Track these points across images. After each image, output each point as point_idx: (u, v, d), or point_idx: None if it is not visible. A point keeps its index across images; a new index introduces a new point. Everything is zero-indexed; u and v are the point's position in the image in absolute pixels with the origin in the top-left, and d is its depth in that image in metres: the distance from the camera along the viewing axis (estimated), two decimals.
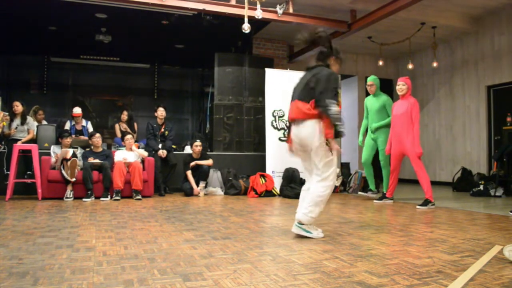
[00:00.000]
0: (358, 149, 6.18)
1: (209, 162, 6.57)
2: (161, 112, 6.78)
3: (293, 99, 3.08)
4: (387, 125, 5.68)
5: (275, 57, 8.73)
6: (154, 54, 9.93)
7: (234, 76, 7.91)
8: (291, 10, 6.32)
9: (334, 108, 2.82)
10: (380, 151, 5.74)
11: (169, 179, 6.70)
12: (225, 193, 6.66)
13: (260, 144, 7.78)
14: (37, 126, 6.54)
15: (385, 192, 5.63)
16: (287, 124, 3.19)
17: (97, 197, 5.70)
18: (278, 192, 6.53)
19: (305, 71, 3.15)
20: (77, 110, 7.05)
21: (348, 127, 8.75)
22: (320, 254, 2.48)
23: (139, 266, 2.19)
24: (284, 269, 2.15)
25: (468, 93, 8.17)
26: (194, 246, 2.69)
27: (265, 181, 6.47)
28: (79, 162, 5.81)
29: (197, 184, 6.36)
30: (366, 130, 5.99)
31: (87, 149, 6.21)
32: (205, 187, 6.52)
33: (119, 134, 7.45)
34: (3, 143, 6.20)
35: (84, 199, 5.53)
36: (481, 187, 6.44)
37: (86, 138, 6.65)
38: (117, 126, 7.67)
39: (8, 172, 5.71)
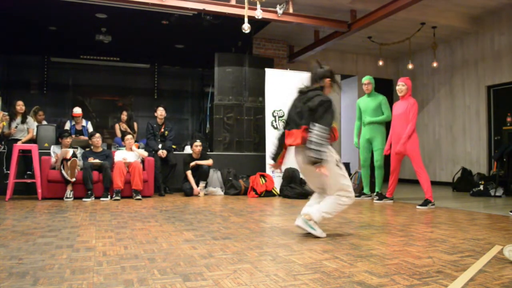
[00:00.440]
0: (357, 149, 6.20)
1: (209, 162, 6.57)
2: (161, 112, 6.78)
3: (296, 126, 2.98)
4: (381, 123, 5.70)
5: (275, 57, 8.73)
6: (154, 54, 9.93)
7: (234, 76, 7.91)
8: (291, 10, 6.32)
9: (317, 133, 2.77)
10: (376, 152, 5.74)
11: (169, 179, 6.70)
12: (225, 193, 6.66)
13: (260, 144, 7.78)
14: (37, 126, 6.54)
15: (378, 191, 5.67)
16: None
17: (97, 197, 5.70)
18: (278, 192, 6.53)
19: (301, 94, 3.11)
20: (77, 110, 7.05)
21: (348, 127, 8.77)
22: (320, 254, 2.48)
23: (139, 266, 2.19)
24: (284, 269, 2.15)
25: (468, 93, 8.17)
26: (194, 246, 2.69)
27: (265, 181, 6.47)
28: (79, 162, 5.81)
29: (197, 184, 6.36)
30: (360, 132, 6.01)
31: (87, 149, 6.21)
32: (205, 187, 6.52)
33: (119, 134, 7.45)
34: (3, 143, 6.20)
35: (84, 199, 5.53)
36: (481, 187, 6.44)
37: (86, 138, 6.65)
38: (117, 126, 7.67)
39: (8, 172, 5.71)
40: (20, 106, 6.23)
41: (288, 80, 7.12)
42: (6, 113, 6.15)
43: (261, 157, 7.25)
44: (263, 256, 2.44)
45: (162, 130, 6.78)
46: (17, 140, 6.10)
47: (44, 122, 7.22)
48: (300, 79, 7.28)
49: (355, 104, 6.13)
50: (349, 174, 7.35)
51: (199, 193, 6.31)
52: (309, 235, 3.08)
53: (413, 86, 7.25)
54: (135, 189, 5.81)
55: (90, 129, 7.12)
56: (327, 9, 6.87)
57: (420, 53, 9.27)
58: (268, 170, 6.81)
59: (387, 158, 5.64)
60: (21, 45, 9.01)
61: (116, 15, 7.16)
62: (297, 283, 1.91)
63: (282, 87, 7.04)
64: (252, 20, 5.67)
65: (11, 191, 5.56)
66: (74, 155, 5.65)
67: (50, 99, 9.66)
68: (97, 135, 6.18)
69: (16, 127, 6.18)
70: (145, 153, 6.33)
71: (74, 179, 5.60)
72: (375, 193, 5.78)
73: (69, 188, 5.64)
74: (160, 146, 6.65)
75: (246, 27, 5.28)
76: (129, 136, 6.31)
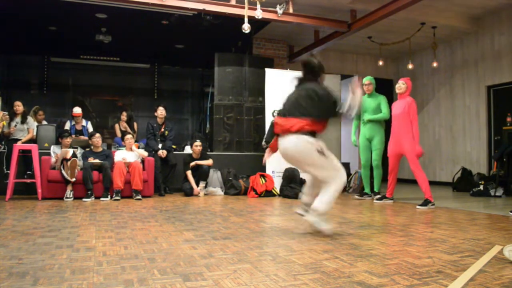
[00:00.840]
0: (357, 149, 6.21)
1: (209, 162, 6.57)
2: (161, 112, 6.78)
3: (293, 114, 3.06)
4: (380, 121, 5.71)
5: (275, 57, 8.73)
6: (154, 54, 9.93)
7: (234, 76, 7.91)
8: (291, 10, 6.32)
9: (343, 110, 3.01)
10: (374, 151, 5.74)
11: (169, 179, 6.70)
12: (225, 193, 6.66)
13: (260, 144, 7.78)
14: (37, 126, 6.54)
15: (377, 191, 5.69)
16: None
17: (97, 197, 5.70)
18: (278, 192, 6.53)
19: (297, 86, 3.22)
20: (77, 110, 7.05)
21: (348, 127, 8.76)
22: (320, 254, 2.48)
23: (139, 266, 2.19)
24: (284, 269, 2.15)
25: (468, 93, 8.17)
26: (194, 246, 2.69)
27: (265, 181, 6.47)
28: (79, 162, 5.81)
29: (197, 184, 6.36)
30: (358, 131, 6.02)
31: (87, 149, 6.21)
32: (205, 187, 6.52)
33: (119, 134, 7.45)
34: (3, 143, 6.21)
35: (84, 199, 5.53)
36: (481, 187, 6.44)
37: (86, 138, 6.65)
38: (117, 126, 7.67)
39: (8, 171, 5.71)
40: (16, 106, 6.23)
41: (288, 80, 7.10)
42: (6, 113, 6.16)
43: (261, 157, 7.17)
44: (263, 256, 2.44)
45: (162, 130, 6.78)
46: (17, 140, 6.10)
47: (44, 122, 7.22)
48: None
49: None
50: (349, 174, 7.38)
51: (199, 193, 6.31)
52: (309, 235, 3.08)
53: (413, 86, 7.25)
54: (135, 189, 5.81)
55: (90, 129, 7.12)
56: (327, 9, 6.87)
57: (420, 53, 9.27)
58: (268, 170, 6.81)
59: (385, 158, 5.65)
60: (21, 45, 9.01)
61: (116, 15, 7.16)
62: (297, 283, 1.91)
63: (282, 87, 7.00)
64: (252, 20, 5.67)
65: (11, 191, 5.56)
66: (74, 155, 5.65)
67: (50, 99, 9.65)
68: (97, 135, 6.18)
69: (16, 125, 6.18)
70: (145, 153, 6.33)
71: (74, 179, 5.60)
72: (373, 193, 5.80)
73: (69, 188, 5.64)
74: (160, 146, 6.65)
75: (246, 27, 5.29)
76: (129, 136, 6.31)
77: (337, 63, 9.57)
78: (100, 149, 6.17)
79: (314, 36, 7.96)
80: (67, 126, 7.05)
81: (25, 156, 6.02)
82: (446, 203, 5.35)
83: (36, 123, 6.76)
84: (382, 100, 5.75)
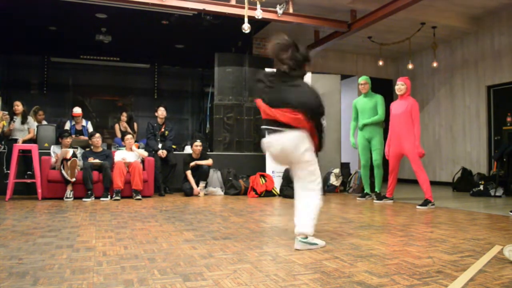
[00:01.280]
0: (357, 149, 6.24)
1: (209, 162, 6.57)
2: (161, 112, 6.79)
3: (276, 105, 2.77)
4: (377, 123, 5.70)
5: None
6: (154, 54, 9.93)
7: (234, 76, 7.91)
8: (291, 10, 6.32)
9: (324, 125, 2.84)
10: (374, 151, 5.73)
11: (169, 179, 6.70)
12: (225, 193, 6.66)
13: (260, 144, 7.77)
14: (37, 126, 6.54)
15: (378, 191, 5.68)
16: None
17: (97, 197, 5.70)
18: (278, 192, 6.53)
19: (277, 76, 2.93)
20: (77, 110, 7.05)
21: (348, 127, 8.75)
22: (320, 254, 2.48)
23: (139, 266, 2.19)
24: (284, 269, 2.15)
25: (468, 93, 8.17)
26: (194, 246, 2.69)
27: (265, 181, 6.47)
28: (79, 162, 5.81)
29: (197, 184, 6.36)
30: (356, 132, 6.02)
31: (87, 149, 6.21)
32: (205, 187, 6.52)
33: (119, 134, 7.45)
34: (3, 143, 6.21)
35: (84, 199, 5.53)
36: (481, 187, 6.43)
37: (86, 138, 6.65)
38: (117, 126, 7.67)
39: (8, 171, 5.71)
40: (15, 106, 6.23)
41: None
42: (6, 113, 6.16)
43: (261, 157, 7.25)
44: (263, 256, 2.44)
45: (162, 130, 6.78)
46: (17, 140, 6.10)
47: (44, 122, 7.22)
48: None
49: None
50: (349, 174, 7.38)
51: (199, 193, 6.31)
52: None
53: (413, 86, 7.26)
54: (135, 189, 5.81)
55: (90, 129, 7.12)
56: (327, 9, 6.87)
57: (420, 53, 9.27)
58: (268, 170, 6.81)
59: (384, 158, 5.66)
60: (21, 45, 9.01)
61: (116, 15, 7.16)
62: (297, 283, 1.91)
63: None
64: (252, 20, 5.67)
65: (11, 191, 5.56)
66: (74, 155, 5.65)
67: (50, 99, 9.65)
68: (97, 135, 6.18)
69: (14, 121, 6.17)
70: (145, 153, 6.33)
71: (74, 179, 5.60)
72: (373, 193, 5.79)
73: (69, 188, 5.64)
74: (160, 146, 6.65)
75: (246, 27, 5.29)
76: (129, 136, 6.31)
77: (337, 63, 9.57)
78: (100, 149, 6.17)
79: (314, 36, 7.96)
80: (67, 126, 7.05)
81: (25, 156, 6.02)
82: (446, 203, 5.35)
83: (36, 123, 6.77)
84: (379, 100, 5.73)
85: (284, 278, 1.99)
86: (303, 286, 1.87)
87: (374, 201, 5.56)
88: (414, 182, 5.43)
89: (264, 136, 2.97)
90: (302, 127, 2.74)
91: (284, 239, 2.95)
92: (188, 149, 7.36)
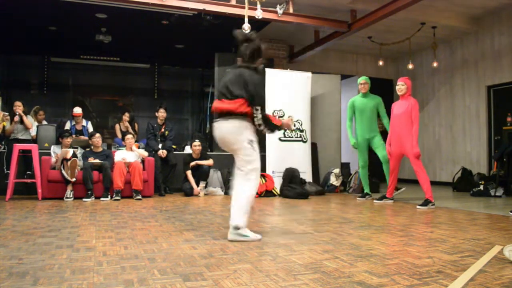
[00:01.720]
0: (357, 149, 6.27)
1: (210, 162, 6.57)
2: (162, 114, 6.80)
3: (226, 96, 2.97)
4: (376, 123, 5.82)
5: (275, 57, 8.72)
6: (154, 54, 9.93)
7: None
8: (291, 10, 6.32)
9: (260, 115, 3.00)
10: (378, 148, 5.74)
11: (169, 179, 6.70)
12: (225, 193, 6.66)
13: (260, 144, 7.75)
14: (37, 126, 6.54)
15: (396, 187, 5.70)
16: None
17: (97, 197, 5.70)
18: (278, 192, 6.53)
19: (234, 68, 3.07)
20: (77, 110, 7.05)
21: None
22: (320, 254, 2.48)
23: (139, 266, 2.19)
24: (284, 269, 2.15)
25: (468, 93, 8.17)
26: (194, 246, 2.69)
27: (265, 181, 6.47)
28: (79, 162, 5.81)
29: (197, 184, 6.36)
30: (353, 131, 6.04)
31: (87, 149, 6.21)
32: (205, 187, 6.52)
33: (119, 135, 7.45)
34: (3, 143, 6.20)
35: (84, 199, 5.53)
36: (481, 187, 6.43)
37: (86, 138, 6.65)
38: (117, 126, 7.67)
39: (8, 171, 5.71)
40: (16, 106, 6.22)
41: (288, 80, 7.11)
42: (7, 113, 6.15)
43: (261, 157, 7.18)
44: (263, 256, 2.44)
45: (163, 130, 6.78)
46: (17, 140, 6.10)
47: (44, 122, 7.22)
48: (300, 79, 7.29)
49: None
50: (349, 174, 7.38)
51: (199, 193, 6.31)
52: (309, 235, 3.08)
53: (413, 86, 7.25)
54: (135, 189, 5.81)
55: (90, 129, 7.12)
56: (327, 9, 6.87)
57: (420, 53, 9.27)
58: (268, 170, 6.81)
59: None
60: (21, 45, 9.01)
61: (116, 15, 7.16)
62: (297, 283, 1.91)
63: (282, 87, 7.03)
64: (252, 20, 5.67)
65: (11, 191, 5.56)
66: (74, 155, 5.65)
67: (50, 99, 9.66)
68: (97, 135, 6.18)
69: (16, 115, 6.15)
70: (145, 153, 6.34)
71: (74, 179, 5.60)
72: (397, 191, 5.79)
73: (69, 188, 5.64)
74: (160, 146, 6.65)
75: (246, 27, 5.28)
76: (129, 136, 6.31)
77: (337, 63, 9.57)
78: (100, 149, 6.17)
79: (314, 36, 7.96)
80: (67, 126, 7.05)
81: (25, 156, 6.02)
82: (446, 203, 5.35)
83: (36, 123, 6.77)
84: (380, 103, 5.83)
85: (284, 278, 1.99)
86: (303, 286, 1.87)
87: (375, 201, 5.56)
88: (414, 182, 5.43)
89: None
90: (240, 113, 2.92)
91: (284, 239, 2.95)
92: (188, 149, 7.36)
